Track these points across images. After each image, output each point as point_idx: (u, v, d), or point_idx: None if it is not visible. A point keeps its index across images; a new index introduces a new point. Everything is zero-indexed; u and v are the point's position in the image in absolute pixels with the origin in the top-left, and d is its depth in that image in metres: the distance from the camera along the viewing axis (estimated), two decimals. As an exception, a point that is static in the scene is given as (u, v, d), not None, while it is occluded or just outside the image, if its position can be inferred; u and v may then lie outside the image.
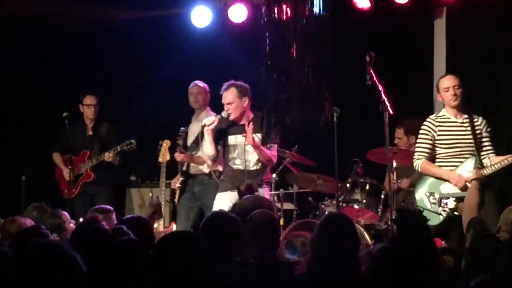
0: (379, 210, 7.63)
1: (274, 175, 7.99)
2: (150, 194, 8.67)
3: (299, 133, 8.76)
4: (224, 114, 7.08)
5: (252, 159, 7.07)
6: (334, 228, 4.17)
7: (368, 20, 8.64)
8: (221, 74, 8.11)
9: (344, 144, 7.32)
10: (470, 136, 6.66)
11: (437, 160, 6.77)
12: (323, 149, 8.05)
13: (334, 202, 7.63)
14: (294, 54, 8.92)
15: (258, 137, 7.02)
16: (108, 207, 6.34)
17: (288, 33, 8.91)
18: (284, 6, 8.81)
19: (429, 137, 6.78)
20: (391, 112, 6.80)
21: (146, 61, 9.61)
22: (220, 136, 7.15)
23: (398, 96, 7.36)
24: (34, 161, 9.09)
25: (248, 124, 6.92)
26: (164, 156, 7.95)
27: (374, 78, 6.78)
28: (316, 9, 8.79)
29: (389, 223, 7.08)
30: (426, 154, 6.78)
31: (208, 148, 7.10)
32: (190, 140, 7.88)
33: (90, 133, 8.82)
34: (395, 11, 8.58)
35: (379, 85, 6.79)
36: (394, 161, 7.29)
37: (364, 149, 7.64)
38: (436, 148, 6.76)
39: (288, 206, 8.13)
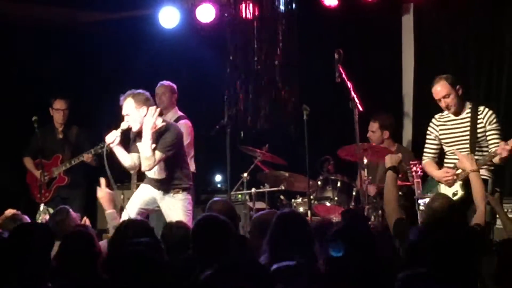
0: (351, 207, 7.64)
1: (245, 174, 8.00)
2: (122, 197, 8.61)
3: (269, 132, 8.77)
4: (123, 125, 6.75)
5: (155, 168, 6.77)
6: (286, 226, 4.17)
7: (336, 17, 8.66)
8: (189, 74, 8.09)
9: (315, 141, 7.33)
10: (468, 133, 6.66)
11: (444, 158, 6.83)
12: (294, 147, 8.06)
13: (306, 200, 7.63)
14: (262, 54, 8.92)
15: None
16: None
17: (254, 32, 8.90)
18: (251, 5, 8.79)
19: (432, 137, 6.86)
20: (361, 109, 6.83)
21: (115, 63, 9.56)
22: (133, 145, 6.88)
23: (368, 93, 7.38)
24: (6, 166, 9.00)
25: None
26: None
27: (343, 75, 6.80)
28: (283, 7, 8.79)
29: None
30: (430, 155, 6.87)
31: (122, 161, 6.84)
32: None
33: (61, 136, 8.76)
34: (363, 8, 8.60)
35: (348, 82, 6.81)
36: (364, 157, 7.30)
37: (335, 147, 7.63)
38: (443, 146, 6.81)
39: (260, 205, 8.12)
